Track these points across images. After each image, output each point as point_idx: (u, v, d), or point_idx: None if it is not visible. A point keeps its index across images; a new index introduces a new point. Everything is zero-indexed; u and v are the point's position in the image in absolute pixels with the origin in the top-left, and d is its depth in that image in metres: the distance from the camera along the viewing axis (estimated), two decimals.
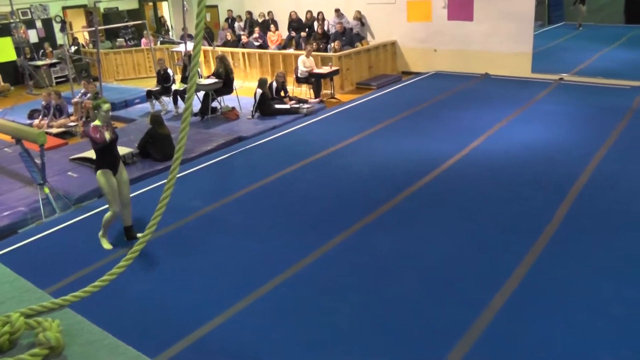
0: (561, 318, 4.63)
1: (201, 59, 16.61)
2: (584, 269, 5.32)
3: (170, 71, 13.45)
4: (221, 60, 12.63)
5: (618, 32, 18.93)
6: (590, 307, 4.75)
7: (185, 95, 1.80)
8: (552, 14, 20.78)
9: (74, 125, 12.09)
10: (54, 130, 11.77)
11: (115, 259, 5.74)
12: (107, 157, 6.20)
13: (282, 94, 12.50)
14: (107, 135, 6.07)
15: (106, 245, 6.37)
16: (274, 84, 12.44)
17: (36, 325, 1.64)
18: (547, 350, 4.24)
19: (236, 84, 13.08)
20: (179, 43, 16.97)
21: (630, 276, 5.16)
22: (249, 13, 18.14)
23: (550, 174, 7.67)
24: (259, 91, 11.76)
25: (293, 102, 12.35)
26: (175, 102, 12.81)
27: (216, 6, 19.47)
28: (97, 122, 6.11)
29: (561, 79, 13.17)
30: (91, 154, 9.23)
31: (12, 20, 17.71)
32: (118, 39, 19.32)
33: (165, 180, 1.87)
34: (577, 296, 4.92)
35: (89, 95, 12.42)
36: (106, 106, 6.11)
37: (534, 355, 4.20)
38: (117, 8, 20.60)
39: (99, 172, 6.17)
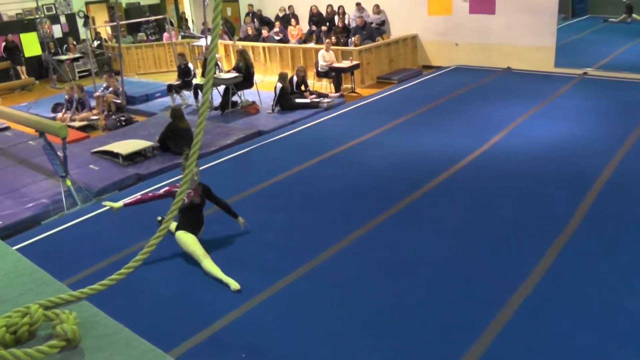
0: (582, 315, 4.58)
1: (222, 53, 16.65)
2: (605, 267, 5.26)
3: (191, 65, 13.51)
4: (241, 54, 12.66)
5: None
6: (612, 304, 4.69)
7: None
8: (575, 7, 20.46)
9: (96, 119, 12.20)
10: (77, 124, 11.89)
11: (133, 252, 5.78)
12: (188, 217, 5.87)
13: (303, 88, 12.50)
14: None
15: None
16: (295, 78, 12.44)
17: (54, 317, 1.65)
18: (567, 348, 4.20)
19: (256, 78, 13.09)
20: (199, 37, 17.02)
21: None
22: (259, 11, 18.25)
23: (572, 170, 7.58)
24: (279, 85, 11.76)
25: (313, 96, 12.34)
26: (195, 96, 12.87)
27: (237, 0, 19.50)
28: None
29: (585, 73, 12.99)
30: (113, 147, 9.35)
31: (37, 16, 17.92)
32: (139, 34, 19.44)
33: (182, 175, 1.88)
34: (598, 293, 4.86)
35: (110, 89, 12.52)
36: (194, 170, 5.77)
37: (554, 353, 4.17)
38: (138, 3, 20.75)
39: (178, 232, 5.83)
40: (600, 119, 9.67)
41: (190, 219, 5.90)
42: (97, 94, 12.55)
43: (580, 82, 12.36)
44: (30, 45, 18.18)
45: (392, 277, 5.35)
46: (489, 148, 8.60)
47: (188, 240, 5.77)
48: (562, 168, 7.68)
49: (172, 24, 18.81)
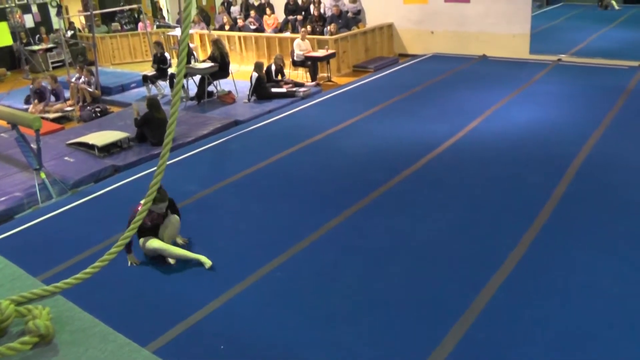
0: (559, 297, 4.65)
1: (197, 42, 16.52)
2: (581, 248, 5.34)
3: (167, 54, 13.38)
4: (215, 43, 12.57)
5: (616, 13, 18.84)
6: (588, 285, 4.77)
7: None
8: None
9: (71, 110, 12.05)
10: (51, 115, 11.73)
11: (109, 246, 5.71)
12: (151, 233, 5.69)
13: (280, 77, 12.45)
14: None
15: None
16: (273, 66, 12.41)
17: (26, 312, 1.63)
18: (545, 329, 4.27)
19: (232, 67, 13.01)
20: (174, 27, 16.85)
21: (627, 255, 5.17)
22: None
23: (548, 154, 7.66)
24: (255, 75, 11.70)
25: (289, 85, 12.30)
26: (171, 85, 12.74)
27: None
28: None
29: (559, 59, 13.11)
30: (88, 138, 9.24)
31: (7, 5, 17.60)
32: (113, 23, 19.19)
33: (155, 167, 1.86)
34: (574, 275, 4.94)
35: (82, 79, 12.36)
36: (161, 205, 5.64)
37: (533, 334, 4.23)
38: None
39: (141, 240, 5.69)
40: (575, 104, 9.78)
41: (152, 232, 5.72)
42: (72, 83, 12.38)
43: (555, 69, 12.47)
44: (1, 35, 17.85)
45: (370, 264, 5.37)
46: (466, 134, 8.65)
47: (154, 249, 5.60)
48: (538, 153, 7.76)
49: (140, 13, 18.54)
